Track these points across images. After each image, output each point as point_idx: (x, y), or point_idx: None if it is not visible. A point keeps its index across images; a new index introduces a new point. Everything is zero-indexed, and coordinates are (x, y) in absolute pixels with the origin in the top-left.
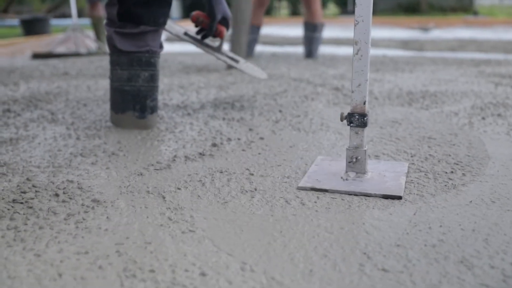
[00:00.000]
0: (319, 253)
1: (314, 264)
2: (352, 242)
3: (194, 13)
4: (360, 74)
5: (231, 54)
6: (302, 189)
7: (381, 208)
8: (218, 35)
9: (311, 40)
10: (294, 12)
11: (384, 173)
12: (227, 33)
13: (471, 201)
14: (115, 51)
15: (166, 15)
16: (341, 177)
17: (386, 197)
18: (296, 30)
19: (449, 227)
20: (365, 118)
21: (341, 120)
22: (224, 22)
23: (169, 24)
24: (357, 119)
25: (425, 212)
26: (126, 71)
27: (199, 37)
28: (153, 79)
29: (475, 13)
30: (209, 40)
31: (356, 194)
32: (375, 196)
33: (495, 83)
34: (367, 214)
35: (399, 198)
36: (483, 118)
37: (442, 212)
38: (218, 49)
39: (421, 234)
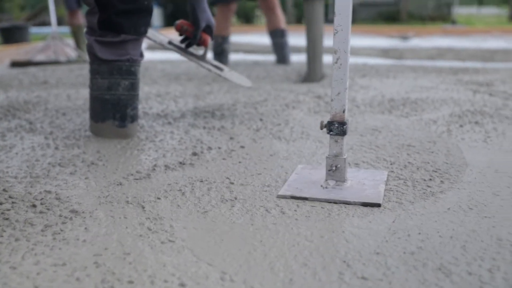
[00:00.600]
0: (299, 261)
1: (294, 273)
2: (332, 250)
3: (178, 21)
4: (340, 82)
5: (215, 63)
6: (282, 197)
7: (360, 216)
8: (202, 43)
9: (282, 45)
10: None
11: (363, 181)
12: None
13: (449, 208)
14: (95, 60)
15: (147, 24)
16: (321, 185)
17: (365, 204)
18: None
19: (427, 234)
20: (345, 127)
21: (321, 129)
22: (208, 30)
23: (153, 33)
24: (336, 127)
25: (404, 219)
26: (106, 79)
27: (183, 45)
28: (133, 87)
29: (453, 22)
30: (193, 49)
31: (335, 202)
32: (355, 204)
33: (473, 90)
34: (346, 222)
35: (378, 205)
36: (461, 126)
37: (420, 220)
38: (202, 58)
39: (400, 242)
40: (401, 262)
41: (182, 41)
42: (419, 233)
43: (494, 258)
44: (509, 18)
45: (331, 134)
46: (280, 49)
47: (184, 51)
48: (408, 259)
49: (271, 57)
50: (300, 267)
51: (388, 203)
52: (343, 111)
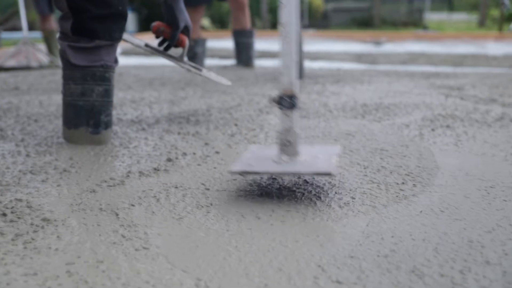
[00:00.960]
0: (274, 267)
1: (269, 278)
2: (307, 255)
3: (155, 23)
4: (288, 56)
5: (193, 64)
6: (234, 173)
7: (335, 220)
8: (180, 44)
9: (248, 46)
10: (252, 26)
11: (317, 155)
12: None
13: (421, 211)
14: (68, 66)
15: (121, 30)
16: (274, 161)
17: (317, 174)
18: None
19: (400, 237)
20: (294, 100)
21: (270, 103)
22: (186, 31)
23: (129, 36)
24: (286, 101)
25: (377, 223)
26: (79, 85)
27: (161, 48)
28: (107, 94)
29: (425, 27)
30: (170, 50)
31: (287, 174)
32: (306, 174)
33: (445, 94)
34: (321, 226)
35: (329, 174)
36: (433, 130)
37: (393, 223)
38: (180, 59)
39: (374, 245)
40: (375, 265)
41: (160, 44)
42: (392, 236)
43: (465, 260)
44: (479, 24)
45: (281, 108)
46: (245, 50)
47: (161, 53)
48: (381, 262)
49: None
50: (275, 272)
51: (362, 206)
52: (292, 85)
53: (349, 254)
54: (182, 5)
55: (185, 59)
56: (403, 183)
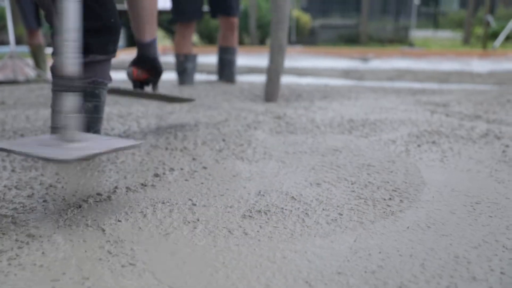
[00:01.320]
0: (261, 283)
1: None
2: (295, 271)
3: (130, 69)
4: (62, 33)
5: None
6: None
7: (322, 236)
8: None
9: (231, 63)
10: (239, 42)
11: (92, 145)
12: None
13: (408, 227)
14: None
15: (115, 43)
16: (44, 144)
17: (43, 159)
18: (240, 59)
19: (387, 253)
20: (68, 81)
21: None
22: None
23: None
24: (61, 83)
25: (365, 239)
26: None
27: (144, 89)
28: (96, 110)
29: (411, 44)
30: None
31: (30, 156)
32: (38, 158)
33: (431, 111)
34: (309, 243)
35: (58, 162)
36: (419, 146)
37: (381, 239)
38: (152, 93)
39: (361, 261)
40: (362, 281)
41: (141, 86)
42: (380, 252)
43: (452, 276)
44: (463, 41)
45: (55, 91)
46: (228, 67)
47: (132, 93)
48: (369, 278)
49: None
50: None
51: (349, 222)
52: (63, 65)
53: (336, 270)
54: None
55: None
56: (390, 198)
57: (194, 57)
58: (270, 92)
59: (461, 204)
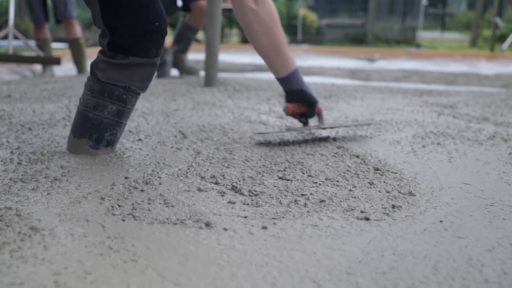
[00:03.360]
0: (268, 281)
1: None
2: (302, 270)
3: (289, 106)
4: None
5: (325, 124)
6: None
7: (334, 237)
8: (319, 111)
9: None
10: (245, 40)
11: None
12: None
13: (425, 229)
14: (93, 76)
15: (158, 47)
16: None
17: None
18: (246, 57)
19: (401, 255)
20: None
21: None
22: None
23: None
24: None
25: (379, 241)
26: (95, 98)
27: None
28: (119, 114)
29: (418, 45)
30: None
31: None
32: None
33: (438, 112)
34: (319, 244)
35: None
36: (423, 146)
37: (396, 241)
38: (321, 123)
39: (373, 262)
40: (372, 282)
41: (301, 120)
42: (393, 254)
43: (464, 278)
44: (470, 43)
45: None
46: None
47: (301, 129)
48: (379, 279)
49: (238, 75)
50: (269, 287)
51: (365, 224)
52: None
53: (346, 270)
54: (302, 80)
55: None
56: (407, 200)
57: (170, 50)
58: (208, 79)
59: (476, 206)
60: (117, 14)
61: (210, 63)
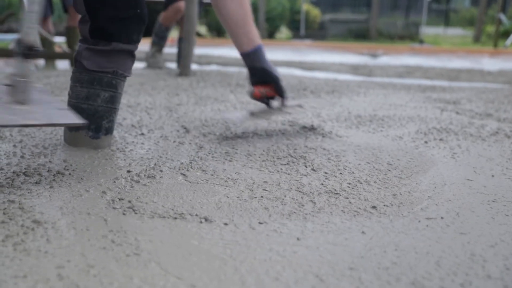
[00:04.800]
0: (271, 276)
1: (266, 287)
2: (305, 265)
3: (255, 90)
4: (28, 4)
5: (290, 103)
6: None
7: (336, 233)
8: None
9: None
10: None
11: (36, 113)
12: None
13: (427, 225)
14: (79, 68)
15: (139, 32)
16: (6, 104)
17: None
18: None
19: (403, 251)
20: (30, 49)
21: (13, 48)
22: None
23: (237, 115)
24: (21, 47)
25: (382, 236)
26: (85, 89)
27: (265, 107)
28: (112, 100)
29: (421, 41)
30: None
31: None
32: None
33: (441, 108)
34: (321, 239)
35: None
36: (426, 142)
37: (398, 237)
38: (282, 108)
39: (376, 258)
40: (374, 277)
41: (268, 104)
42: (396, 249)
43: (467, 273)
44: (474, 39)
45: (17, 54)
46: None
47: (266, 111)
48: (382, 274)
49: (237, 69)
50: (272, 281)
51: (366, 220)
52: (30, 35)
53: (349, 266)
54: (265, 57)
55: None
56: (409, 196)
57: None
58: (182, 70)
59: (479, 202)
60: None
61: (187, 54)
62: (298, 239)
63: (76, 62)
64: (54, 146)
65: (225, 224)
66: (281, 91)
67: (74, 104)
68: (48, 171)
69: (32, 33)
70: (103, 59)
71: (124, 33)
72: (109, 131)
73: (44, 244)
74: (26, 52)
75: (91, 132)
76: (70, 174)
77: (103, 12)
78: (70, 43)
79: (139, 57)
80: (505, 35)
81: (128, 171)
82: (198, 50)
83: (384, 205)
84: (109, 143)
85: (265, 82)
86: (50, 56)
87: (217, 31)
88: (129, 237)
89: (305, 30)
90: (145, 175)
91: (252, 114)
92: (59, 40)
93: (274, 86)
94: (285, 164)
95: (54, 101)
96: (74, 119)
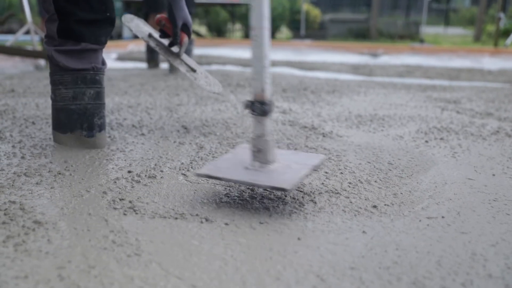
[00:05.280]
0: (271, 276)
1: (267, 287)
2: (306, 265)
3: (159, 16)
4: (259, 60)
5: (190, 61)
6: (198, 175)
7: (337, 233)
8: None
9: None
10: (248, 35)
11: (291, 165)
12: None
13: (428, 225)
14: (57, 71)
15: (107, 34)
16: (245, 167)
17: (272, 188)
18: (249, 52)
19: (404, 250)
20: (266, 106)
21: (244, 108)
22: (185, 28)
23: (137, 23)
24: (258, 107)
25: (382, 236)
26: (71, 89)
27: (164, 42)
28: (99, 96)
29: (421, 40)
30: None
31: (245, 184)
32: (260, 186)
33: (441, 108)
34: (322, 239)
35: (284, 190)
36: (427, 142)
37: (399, 236)
38: (177, 56)
39: (376, 257)
40: (376, 276)
41: (160, 36)
42: (397, 249)
43: (467, 273)
44: (474, 38)
45: (253, 114)
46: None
47: (162, 46)
48: (383, 273)
49: (237, 69)
50: (273, 281)
51: (367, 220)
52: (263, 90)
53: (349, 265)
54: (182, 3)
55: (183, 57)
56: (410, 196)
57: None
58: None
59: (480, 201)
60: (72, 0)
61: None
62: (299, 238)
63: (51, 65)
64: (53, 146)
65: (226, 224)
66: (175, 36)
67: (62, 107)
68: (49, 171)
69: (266, 89)
70: (77, 57)
71: (94, 35)
72: (102, 127)
73: (45, 245)
74: (263, 109)
75: (85, 131)
76: (70, 174)
77: (74, 13)
78: None
79: (140, 57)
80: (505, 34)
81: (129, 171)
82: (198, 50)
83: (385, 205)
84: (104, 140)
85: (170, 19)
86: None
87: (217, 31)
88: (130, 238)
89: (305, 30)
90: (145, 175)
91: (151, 36)
92: None
93: (173, 30)
94: None
95: (299, 158)
96: (319, 157)
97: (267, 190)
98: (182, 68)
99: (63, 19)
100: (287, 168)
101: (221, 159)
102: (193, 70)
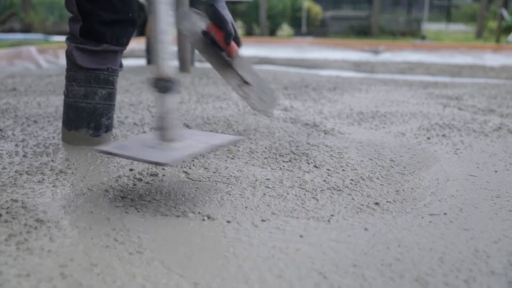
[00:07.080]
0: (274, 273)
1: (269, 284)
2: (308, 262)
3: (204, 29)
4: (157, 36)
5: (245, 72)
6: (97, 151)
7: (340, 230)
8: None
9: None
10: (249, 33)
11: (193, 143)
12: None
13: (430, 222)
14: (73, 67)
15: (129, 36)
16: (151, 146)
17: (151, 163)
18: (250, 50)
19: (406, 247)
20: (170, 83)
21: (150, 86)
22: (236, 39)
23: (192, 20)
24: (159, 85)
25: (384, 233)
26: (83, 87)
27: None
28: (110, 97)
29: (423, 37)
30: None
31: (135, 160)
32: (144, 161)
33: (443, 104)
34: (324, 236)
35: (162, 165)
36: (429, 138)
37: (401, 233)
38: (229, 65)
39: (379, 254)
40: (378, 273)
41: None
42: (399, 246)
43: (470, 269)
44: (476, 35)
45: (156, 92)
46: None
47: (215, 50)
48: (385, 270)
49: None
50: (275, 279)
51: (369, 217)
52: (166, 67)
53: (352, 262)
54: (223, 2)
55: (236, 65)
56: (412, 192)
57: None
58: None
59: (482, 198)
60: (94, 1)
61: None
62: (301, 236)
63: (68, 62)
64: (55, 145)
65: (228, 221)
66: (227, 38)
67: (73, 104)
68: (50, 170)
69: (166, 65)
70: (94, 57)
71: (115, 36)
72: (108, 128)
73: (47, 243)
74: (164, 86)
75: (91, 131)
76: (72, 173)
77: (96, 14)
78: None
79: (140, 55)
80: (507, 30)
81: (131, 170)
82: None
83: (387, 202)
84: (109, 140)
85: (216, 23)
86: None
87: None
88: (132, 235)
89: (307, 27)
90: (147, 173)
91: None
92: (60, 39)
93: (225, 37)
94: (287, 161)
95: (194, 132)
96: (228, 138)
97: (267, 187)
98: (233, 82)
99: (85, 19)
100: (187, 146)
101: (133, 138)
102: (246, 83)
